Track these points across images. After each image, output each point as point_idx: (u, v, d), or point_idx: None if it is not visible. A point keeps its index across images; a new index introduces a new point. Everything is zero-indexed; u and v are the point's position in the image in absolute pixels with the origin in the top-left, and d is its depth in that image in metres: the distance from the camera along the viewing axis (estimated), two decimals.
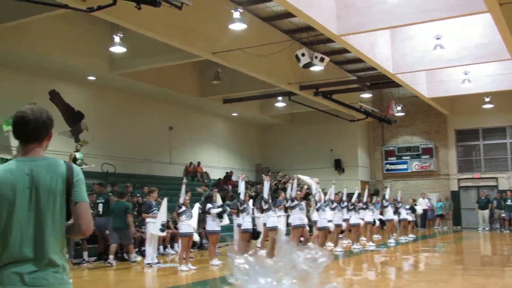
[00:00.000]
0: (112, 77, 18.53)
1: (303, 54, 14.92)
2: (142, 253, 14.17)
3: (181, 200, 11.73)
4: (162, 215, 12.38)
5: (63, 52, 16.21)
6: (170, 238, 15.32)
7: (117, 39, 15.78)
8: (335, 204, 15.82)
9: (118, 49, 16.14)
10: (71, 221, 2.75)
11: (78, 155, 17.27)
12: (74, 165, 2.78)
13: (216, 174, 25.13)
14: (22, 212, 2.61)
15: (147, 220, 12.94)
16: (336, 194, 16.72)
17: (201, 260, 13.62)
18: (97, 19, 13.62)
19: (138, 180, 19.52)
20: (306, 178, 16.20)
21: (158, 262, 12.75)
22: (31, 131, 2.70)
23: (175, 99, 22.74)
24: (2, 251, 2.62)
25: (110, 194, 14.21)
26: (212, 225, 12.32)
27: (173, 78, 20.26)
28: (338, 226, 15.57)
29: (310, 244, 15.09)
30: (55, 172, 2.69)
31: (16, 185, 2.62)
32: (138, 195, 16.52)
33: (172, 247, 15.46)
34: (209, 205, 12.45)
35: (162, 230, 12.50)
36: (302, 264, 3.53)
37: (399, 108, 24.78)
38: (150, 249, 12.63)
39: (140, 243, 14.40)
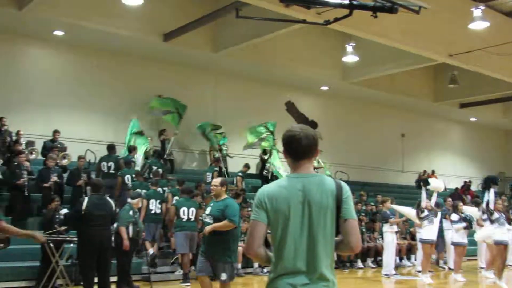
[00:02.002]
0: (344, 86, 18.83)
1: None
2: (378, 263, 14.01)
3: (423, 204, 11.28)
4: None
5: (299, 64, 17.01)
6: (406, 249, 14.87)
7: (349, 48, 16.02)
8: None
9: (350, 58, 16.36)
10: (339, 237, 2.75)
11: (315, 163, 17.85)
12: (342, 183, 2.78)
13: (453, 183, 23.70)
14: (295, 226, 2.69)
15: (384, 230, 12.71)
16: None
17: (439, 275, 12.92)
18: (329, 30, 13.97)
19: (371, 188, 19.40)
20: None
21: (395, 274, 12.44)
22: (303, 149, 2.77)
23: (407, 105, 22.16)
24: (277, 262, 2.73)
25: None
26: (457, 236, 11.58)
27: (405, 83, 19.74)
28: None
29: None
30: (325, 189, 2.73)
31: (290, 200, 2.71)
32: (372, 203, 16.40)
33: (408, 258, 14.98)
34: (454, 216, 11.73)
35: None
36: None
37: None
38: (388, 260, 12.39)
39: (376, 253, 14.24)
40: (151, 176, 12.77)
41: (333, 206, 2.71)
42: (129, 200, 9.26)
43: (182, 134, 16.47)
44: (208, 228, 6.52)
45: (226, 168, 17.19)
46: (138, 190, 10.41)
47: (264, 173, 16.92)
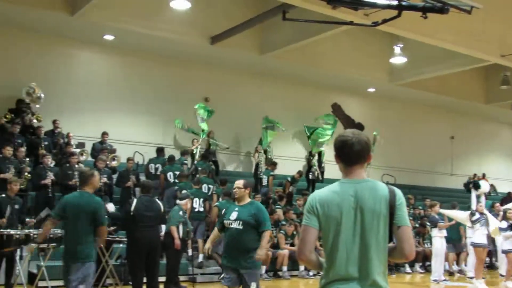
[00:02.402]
0: (392, 88, 18.55)
1: None
2: (426, 268, 13.74)
3: (474, 207, 10.99)
4: None
5: (345, 66, 16.86)
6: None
7: (397, 49, 15.77)
8: None
9: (398, 59, 16.13)
10: (392, 244, 2.71)
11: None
12: (395, 189, 2.74)
13: (505, 187, 22.99)
14: (347, 232, 2.67)
15: (433, 234, 12.44)
16: None
17: (493, 282, 12.54)
18: (376, 31, 13.78)
19: (419, 192, 19.02)
20: None
21: (445, 280, 12.15)
22: (355, 154, 2.74)
23: (457, 107, 21.64)
24: (328, 268, 2.71)
25: None
26: (506, 243, 11.23)
27: (455, 85, 19.26)
28: None
29: None
30: (378, 195, 2.69)
31: (342, 205, 2.69)
32: (420, 207, 16.09)
33: (458, 263, 14.59)
34: (503, 223, 11.36)
35: None
36: None
37: None
38: (437, 265, 12.12)
39: (424, 258, 13.96)
40: (198, 175, 12.96)
41: (386, 213, 2.67)
42: (178, 201, 9.37)
43: (228, 136, 16.57)
44: (264, 255, 5.95)
45: None
46: (185, 191, 10.55)
47: (309, 176, 16.84)
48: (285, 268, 11.83)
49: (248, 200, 6.14)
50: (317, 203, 2.72)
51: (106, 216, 5.98)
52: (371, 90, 19.47)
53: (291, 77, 17.93)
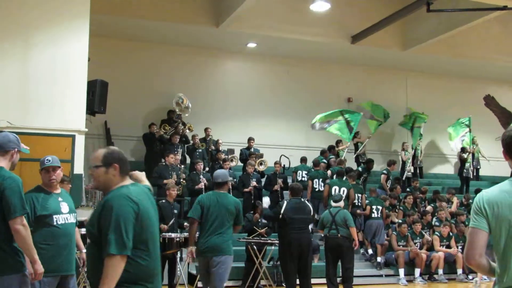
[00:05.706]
0: None
1: None
2: None
3: None
4: None
5: (497, 54, 15.79)
6: None
7: None
8: None
9: None
10: None
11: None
12: None
13: None
14: None
15: None
16: None
17: None
18: None
19: None
20: None
21: None
22: None
23: None
24: (502, 274, 2.52)
25: None
26: None
27: None
28: None
29: None
30: None
31: None
32: None
33: None
34: None
35: None
36: None
37: None
38: None
39: None
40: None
41: None
42: (333, 203, 9.13)
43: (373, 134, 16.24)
44: None
45: (421, 168, 16.53)
46: (339, 193, 10.41)
47: (463, 173, 15.86)
48: (441, 271, 11.25)
49: (118, 184, 3.15)
50: (485, 204, 2.54)
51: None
52: None
53: (437, 70, 17.17)
